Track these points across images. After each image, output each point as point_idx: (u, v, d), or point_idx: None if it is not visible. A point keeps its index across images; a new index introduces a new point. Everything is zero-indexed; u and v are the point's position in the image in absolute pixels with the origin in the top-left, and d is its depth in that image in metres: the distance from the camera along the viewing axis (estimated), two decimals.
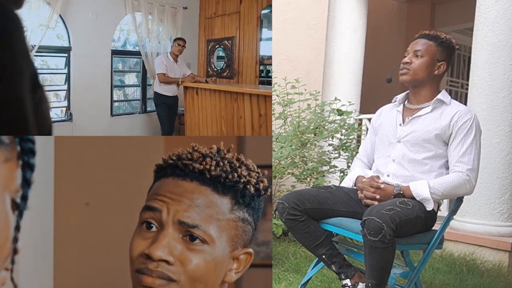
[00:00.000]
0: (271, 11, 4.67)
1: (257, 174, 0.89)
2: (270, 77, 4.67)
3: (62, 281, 1.87)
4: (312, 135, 3.43)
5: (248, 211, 0.87)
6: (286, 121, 3.58)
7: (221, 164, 0.85)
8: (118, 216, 1.57)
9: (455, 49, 1.88)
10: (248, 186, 0.86)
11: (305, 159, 3.39)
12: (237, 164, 0.87)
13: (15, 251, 0.81)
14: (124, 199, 1.57)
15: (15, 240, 0.81)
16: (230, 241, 0.85)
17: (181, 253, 0.81)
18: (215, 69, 5.46)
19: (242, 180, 0.85)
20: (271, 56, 4.80)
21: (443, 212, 2.62)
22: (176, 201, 0.82)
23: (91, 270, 1.89)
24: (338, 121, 3.48)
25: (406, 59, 1.85)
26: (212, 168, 0.84)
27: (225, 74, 5.26)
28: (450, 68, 5.52)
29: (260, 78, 4.78)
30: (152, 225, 0.83)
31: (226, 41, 5.29)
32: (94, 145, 1.90)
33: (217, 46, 5.46)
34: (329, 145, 3.50)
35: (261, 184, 0.88)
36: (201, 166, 0.84)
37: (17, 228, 0.81)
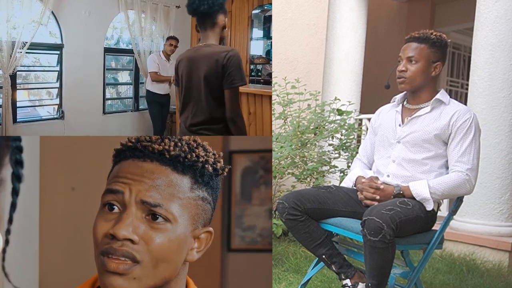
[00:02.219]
0: (261, 11, 4.70)
1: (214, 155, 0.91)
2: (260, 76, 4.69)
3: (48, 265, 1.89)
4: (312, 135, 3.43)
5: (207, 190, 0.89)
6: (286, 121, 3.58)
7: (179, 144, 0.87)
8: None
9: (448, 45, 1.87)
10: (207, 166, 0.88)
11: (305, 159, 3.39)
12: (194, 145, 0.89)
13: (7, 242, 0.85)
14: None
15: (8, 232, 0.85)
16: (191, 220, 0.86)
17: (145, 232, 0.82)
18: None
19: (200, 160, 0.87)
20: (261, 55, 4.82)
21: (443, 212, 2.62)
22: (137, 181, 0.84)
23: (76, 254, 1.91)
24: (338, 121, 3.48)
25: (401, 67, 1.83)
26: (171, 148, 0.86)
27: None
28: (450, 68, 5.53)
29: (250, 77, 4.79)
30: (114, 206, 0.84)
31: None
32: (82, 145, 1.93)
33: None
34: (329, 145, 3.50)
35: (218, 164, 0.91)
36: (160, 147, 0.86)
37: (10, 220, 0.86)
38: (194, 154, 0.87)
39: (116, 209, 0.84)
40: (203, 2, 2.04)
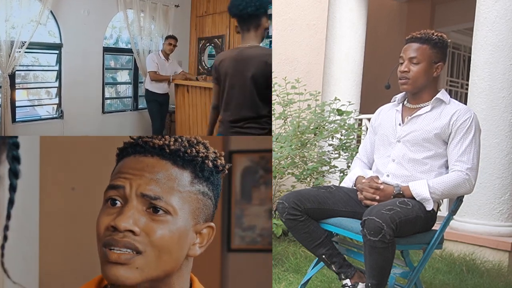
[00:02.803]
0: None
1: (215, 153, 0.92)
2: None
3: (48, 264, 1.89)
4: (312, 135, 3.43)
5: (207, 185, 0.90)
6: (286, 121, 3.58)
7: (180, 140, 0.89)
8: (102, 200, 1.61)
9: (448, 45, 1.87)
10: (206, 161, 0.90)
11: (305, 159, 3.39)
12: (195, 142, 0.91)
13: (5, 238, 0.85)
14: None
15: (6, 228, 0.86)
16: (192, 214, 0.87)
17: (146, 224, 0.83)
18: (206, 67, 5.47)
19: (200, 155, 0.89)
20: None
21: (443, 212, 2.62)
22: (138, 176, 0.85)
23: (76, 254, 1.91)
24: (338, 121, 3.48)
25: (403, 68, 1.82)
26: (171, 143, 0.88)
27: None
28: (450, 68, 5.53)
29: None
30: (116, 201, 0.85)
31: (216, 39, 5.31)
32: (82, 145, 1.93)
33: (208, 44, 5.48)
34: (329, 145, 3.50)
35: (219, 161, 0.92)
36: (161, 142, 0.88)
37: (8, 216, 0.87)
38: (194, 149, 0.89)
39: (118, 204, 0.85)
40: (250, 4, 2.13)
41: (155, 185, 0.84)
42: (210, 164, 0.90)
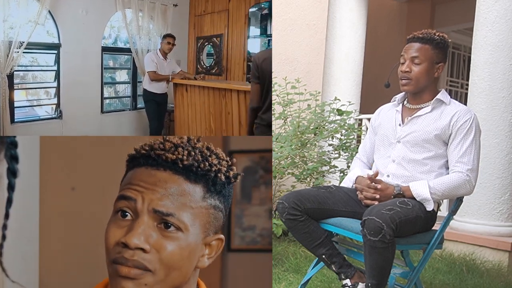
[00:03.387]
0: (258, 9, 4.70)
1: (227, 163, 0.91)
2: None
3: (48, 265, 1.89)
4: (312, 135, 3.43)
5: (219, 198, 0.89)
6: (286, 121, 3.58)
7: (193, 153, 0.87)
8: (103, 200, 1.60)
9: (449, 45, 1.87)
10: (219, 175, 0.88)
11: (305, 159, 3.39)
12: (208, 153, 0.89)
13: (3, 238, 0.85)
14: (109, 184, 1.61)
15: (4, 227, 0.86)
16: (202, 228, 0.87)
17: (156, 240, 0.83)
18: (204, 66, 5.47)
19: (213, 169, 0.88)
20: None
21: (443, 212, 2.62)
22: (150, 190, 0.84)
23: (76, 255, 1.91)
24: (338, 121, 3.48)
25: (404, 68, 1.81)
26: (185, 157, 0.86)
27: (213, 71, 5.29)
28: (450, 68, 5.53)
29: (248, 75, 4.78)
30: (127, 213, 0.84)
31: (215, 39, 5.31)
32: (82, 145, 1.93)
33: (206, 43, 5.48)
34: (329, 145, 3.50)
35: (231, 172, 0.91)
36: (174, 156, 0.86)
37: (6, 215, 0.86)
38: (207, 163, 0.87)
39: (128, 216, 0.84)
40: None
41: (167, 201, 0.83)
42: (223, 177, 0.89)
